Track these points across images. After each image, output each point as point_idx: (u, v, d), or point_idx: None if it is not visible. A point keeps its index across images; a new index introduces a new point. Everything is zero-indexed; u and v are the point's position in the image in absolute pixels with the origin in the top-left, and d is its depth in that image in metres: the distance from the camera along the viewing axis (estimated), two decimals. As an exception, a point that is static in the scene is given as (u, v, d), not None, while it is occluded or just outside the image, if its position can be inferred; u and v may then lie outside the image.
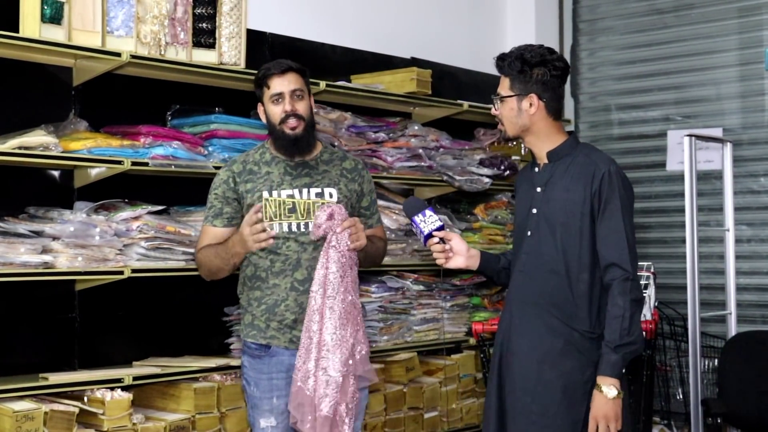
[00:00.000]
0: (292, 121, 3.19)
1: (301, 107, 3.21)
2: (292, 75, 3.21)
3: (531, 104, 3.04)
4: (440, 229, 3.04)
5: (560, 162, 3.04)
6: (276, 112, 3.20)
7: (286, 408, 3.14)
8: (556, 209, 3.00)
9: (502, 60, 3.08)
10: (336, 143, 4.16)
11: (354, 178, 3.32)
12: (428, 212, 3.04)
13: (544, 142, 3.07)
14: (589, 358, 2.95)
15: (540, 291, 2.99)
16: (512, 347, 3.04)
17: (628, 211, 3.01)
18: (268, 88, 3.20)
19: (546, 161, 3.07)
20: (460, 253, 3.11)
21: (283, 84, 3.19)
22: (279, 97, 3.19)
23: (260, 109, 3.29)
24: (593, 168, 2.99)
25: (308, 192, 3.21)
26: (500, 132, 3.13)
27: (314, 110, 4.03)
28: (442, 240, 3.07)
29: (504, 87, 3.07)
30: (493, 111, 3.12)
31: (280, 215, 3.18)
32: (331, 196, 3.22)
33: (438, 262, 3.09)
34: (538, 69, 3.03)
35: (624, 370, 2.95)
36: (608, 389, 2.88)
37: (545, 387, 2.96)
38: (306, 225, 3.17)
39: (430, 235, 3.04)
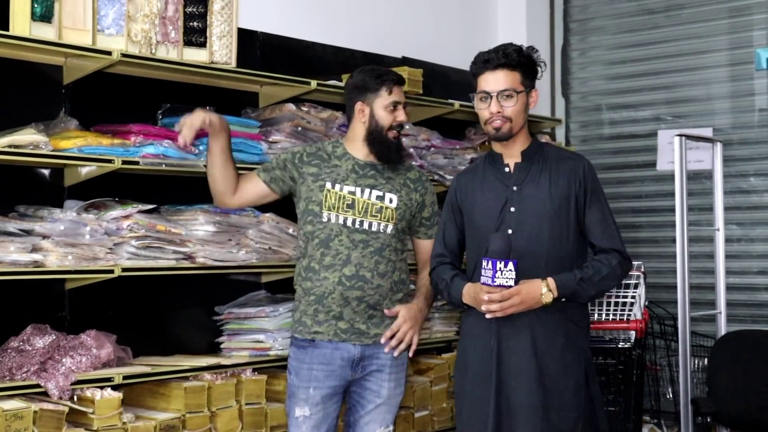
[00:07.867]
0: (396, 131, 3.41)
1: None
2: (403, 87, 3.46)
3: (532, 100, 3.03)
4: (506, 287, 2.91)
5: (532, 161, 3.06)
6: (389, 119, 3.39)
7: (321, 400, 3.30)
8: (541, 205, 3.01)
9: (507, 52, 2.99)
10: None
11: (416, 188, 3.47)
12: (511, 265, 2.88)
13: (522, 140, 3.08)
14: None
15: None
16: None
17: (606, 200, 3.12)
18: (390, 93, 3.38)
19: (518, 160, 3.07)
20: None
21: (400, 94, 3.42)
22: (395, 106, 3.39)
23: (360, 107, 3.40)
24: (571, 162, 3.04)
25: (370, 192, 3.36)
26: (495, 131, 3.02)
27: (315, 110, 4.13)
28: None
29: (515, 81, 3.00)
30: (507, 110, 2.98)
31: (338, 208, 3.32)
32: (391, 201, 3.37)
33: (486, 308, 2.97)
34: (538, 64, 3.05)
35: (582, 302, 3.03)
36: (547, 292, 2.91)
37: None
38: (361, 222, 3.31)
39: (491, 285, 2.90)
